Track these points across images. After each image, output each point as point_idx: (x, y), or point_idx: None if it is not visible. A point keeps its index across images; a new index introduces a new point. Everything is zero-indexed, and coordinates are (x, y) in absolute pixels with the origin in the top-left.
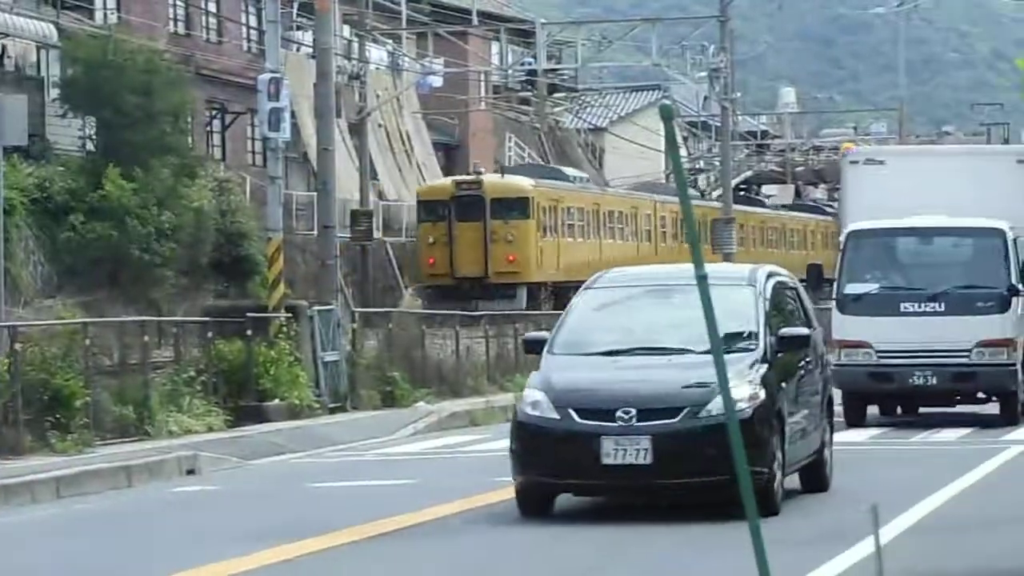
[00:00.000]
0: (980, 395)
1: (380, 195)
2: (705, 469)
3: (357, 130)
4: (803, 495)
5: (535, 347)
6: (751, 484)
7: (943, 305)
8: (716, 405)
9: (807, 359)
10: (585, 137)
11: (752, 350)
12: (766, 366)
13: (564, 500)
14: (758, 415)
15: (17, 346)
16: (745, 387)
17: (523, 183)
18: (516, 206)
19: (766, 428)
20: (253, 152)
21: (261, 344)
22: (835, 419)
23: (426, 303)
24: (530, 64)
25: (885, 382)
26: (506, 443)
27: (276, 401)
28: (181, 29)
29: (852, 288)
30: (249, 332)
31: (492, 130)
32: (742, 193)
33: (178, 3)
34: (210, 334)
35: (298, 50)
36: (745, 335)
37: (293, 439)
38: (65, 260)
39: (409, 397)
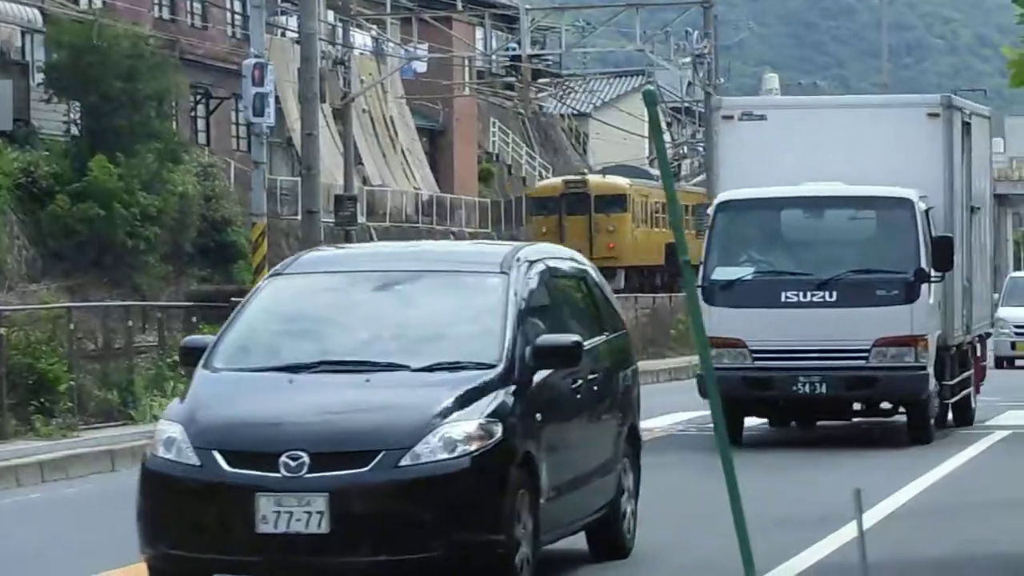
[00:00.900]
0: (884, 405)
1: (364, 180)
2: (407, 543)
3: (341, 115)
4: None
5: (192, 359)
6: (735, 478)
7: (835, 294)
8: (428, 448)
9: (590, 376)
10: (569, 122)
11: (489, 367)
12: (509, 390)
13: None
14: (485, 463)
15: (2, 330)
16: (464, 424)
17: (621, 182)
18: (616, 201)
19: (498, 482)
20: (237, 137)
21: None
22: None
23: None
24: (514, 49)
25: (763, 389)
26: None
27: None
28: (166, 14)
29: (721, 273)
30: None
31: (476, 115)
32: None
33: None
34: (194, 319)
35: (283, 35)
36: (481, 346)
37: None
38: (50, 244)
39: None
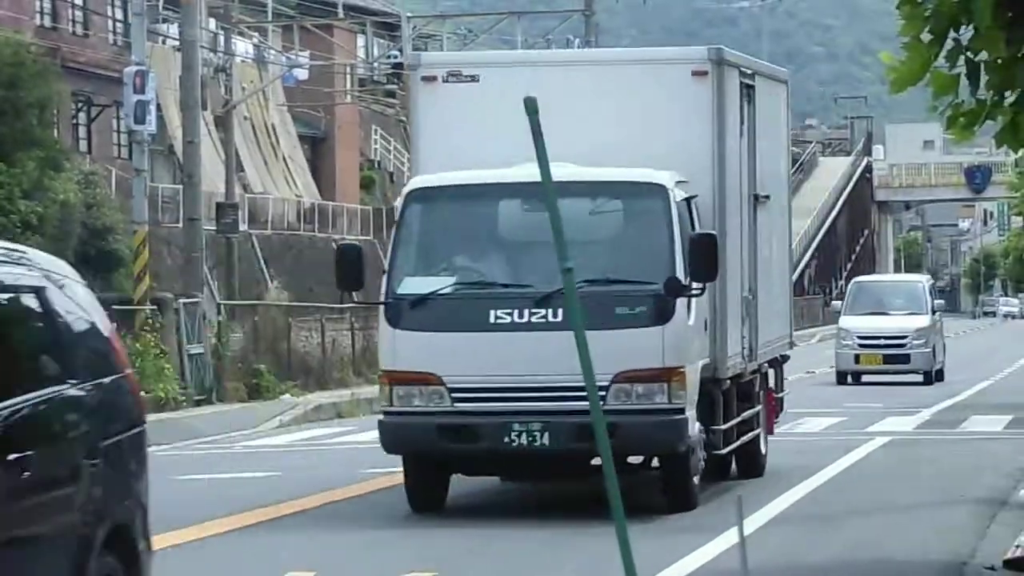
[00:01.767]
0: (632, 458)
1: (245, 188)
2: None
3: (223, 123)
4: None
5: None
6: (616, 480)
7: (562, 313)
8: None
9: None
10: None
11: None
12: None
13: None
14: None
15: None
16: None
17: None
18: None
19: None
20: (119, 145)
21: (126, 337)
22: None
23: None
24: (396, 57)
25: (465, 440)
26: (372, 435)
27: (142, 394)
28: (48, 22)
29: (410, 285)
30: (114, 325)
31: (358, 123)
32: None
33: None
34: None
35: (164, 43)
36: None
37: (159, 432)
38: None
39: (275, 389)
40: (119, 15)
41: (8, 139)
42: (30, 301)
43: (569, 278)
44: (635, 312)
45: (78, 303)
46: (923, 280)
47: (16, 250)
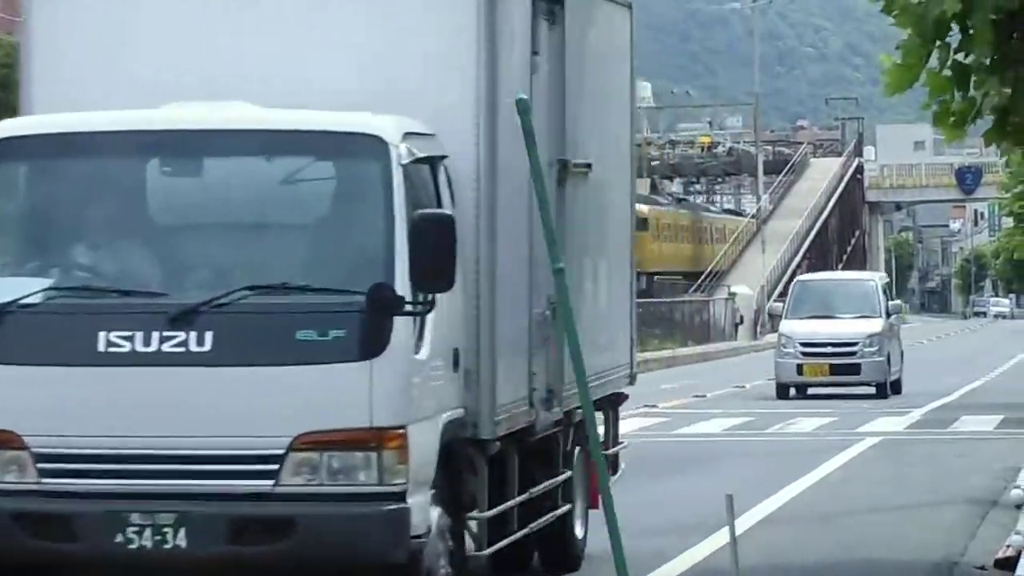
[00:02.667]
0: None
1: None
2: None
3: None
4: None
5: None
6: (607, 469)
7: (212, 337)
8: None
9: None
10: None
11: None
12: None
13: None
14: None
15: None
16: None
17: (643, 208)
18: (639, 224)
19: None
20: None
21: None
22: None
23: None
24: None
25: (57, 539)
26: None
27: None
28: None
29: None
30: None
31: None
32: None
33: None
34: None
35: None
36: None
37: None
38: None
39: None
40: None
41: None
42: None
43: (561, 277)
44: (326, 339)
45: None
46: (875, 278)
47: None
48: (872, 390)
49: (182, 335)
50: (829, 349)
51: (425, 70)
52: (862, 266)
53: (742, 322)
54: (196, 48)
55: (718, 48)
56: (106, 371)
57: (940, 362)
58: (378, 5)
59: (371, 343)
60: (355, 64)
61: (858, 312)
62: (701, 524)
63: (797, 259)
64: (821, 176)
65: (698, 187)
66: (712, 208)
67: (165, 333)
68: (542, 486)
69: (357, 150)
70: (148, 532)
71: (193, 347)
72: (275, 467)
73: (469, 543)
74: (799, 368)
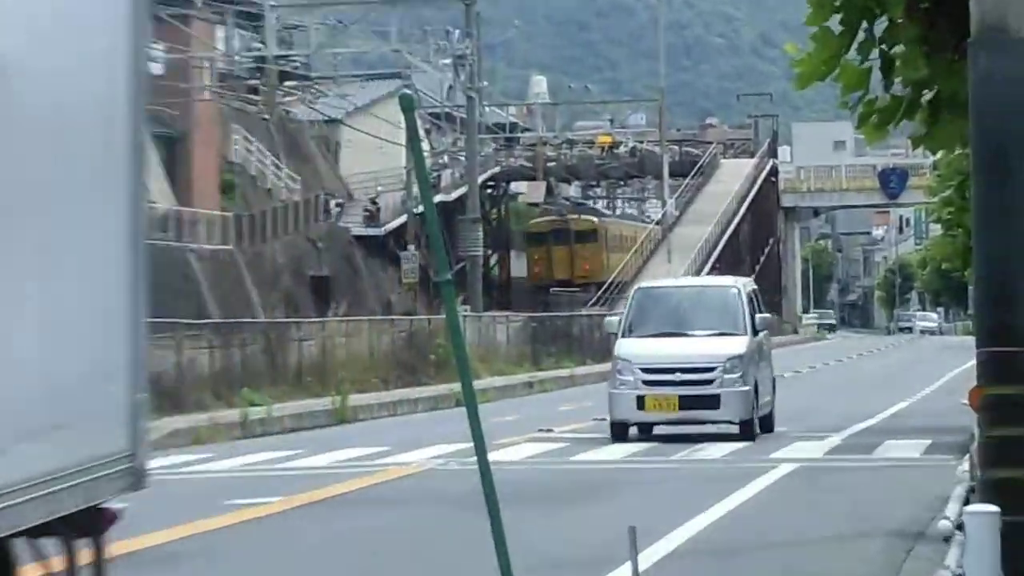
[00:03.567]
0: None
1: None
2: None
3: None
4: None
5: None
6: (497, 504)
7: None
8: None
9: None
10: (319, 129)
11: None
12: None
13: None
14: None
15: None
16: None
17: (594, 220)
18: (590, 235)
19: None
20: None
21: None
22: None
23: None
24: (259, 50)
25: None
26: (239, 462)
27: None
28: None
29: None
30: None
31: (218, 121)
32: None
33: None
34: None
35: None
36: None
37: None
38: None
39: None
40: None
41: None
42: None
43: (448, 288)
44: None
45: None
46: (739, 284)
47: None
48: (735, 428)
49: None
50: (678, 376)
51: None
52: (776, 276)
53: None
54: None
55: (619, 39)
56: None
57: (861, 382)
58: None
59: None
60: None
61: (716, 328)
62: (603, 558)
63: (706, 269)
64: (732, 179)
65: (598, 191)
66: (634, 214)
67: None
68: None
69: None
70: None
71: None
72: None
73: None
74: (639, 401)
